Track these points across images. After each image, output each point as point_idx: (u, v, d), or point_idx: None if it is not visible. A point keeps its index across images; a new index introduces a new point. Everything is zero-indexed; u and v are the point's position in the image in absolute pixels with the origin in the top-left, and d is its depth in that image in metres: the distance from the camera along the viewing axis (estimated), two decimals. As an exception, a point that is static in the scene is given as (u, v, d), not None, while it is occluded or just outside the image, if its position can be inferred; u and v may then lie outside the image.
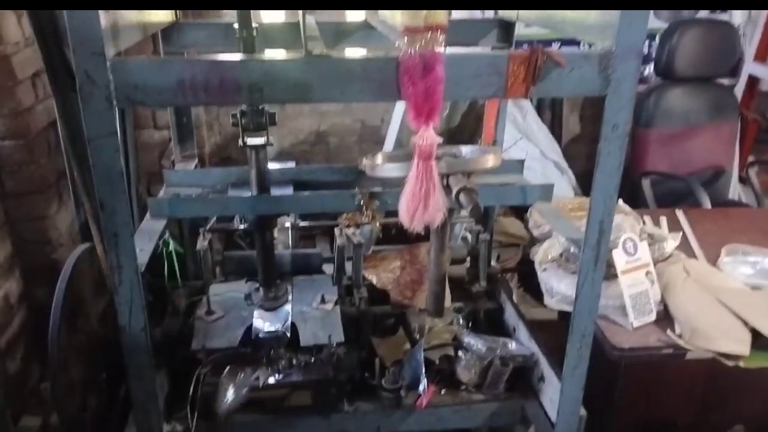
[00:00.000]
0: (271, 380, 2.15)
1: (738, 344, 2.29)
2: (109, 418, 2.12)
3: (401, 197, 1.69)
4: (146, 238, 2.21)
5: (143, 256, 2.06)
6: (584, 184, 4.36)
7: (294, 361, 2.23)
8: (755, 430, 2.75)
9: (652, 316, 2.44)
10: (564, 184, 4.23)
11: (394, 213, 1.79)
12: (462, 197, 1.77)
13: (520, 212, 3.76)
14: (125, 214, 1.54)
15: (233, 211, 2.38)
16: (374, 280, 2.60)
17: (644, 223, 3.18)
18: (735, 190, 4.59)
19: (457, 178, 1.83)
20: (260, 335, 2.29)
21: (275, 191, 2.31)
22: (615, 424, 2.60)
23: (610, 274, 2.37)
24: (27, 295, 2.85)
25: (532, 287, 3.08)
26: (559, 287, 2.61)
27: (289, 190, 2.36)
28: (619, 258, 2.39)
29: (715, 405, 2.66)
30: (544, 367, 2.21)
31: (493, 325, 2.60)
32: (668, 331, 2.42)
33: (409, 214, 1.68)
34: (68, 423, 1.89)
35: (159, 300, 2.41)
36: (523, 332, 2.42)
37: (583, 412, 2.01)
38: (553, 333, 2.30)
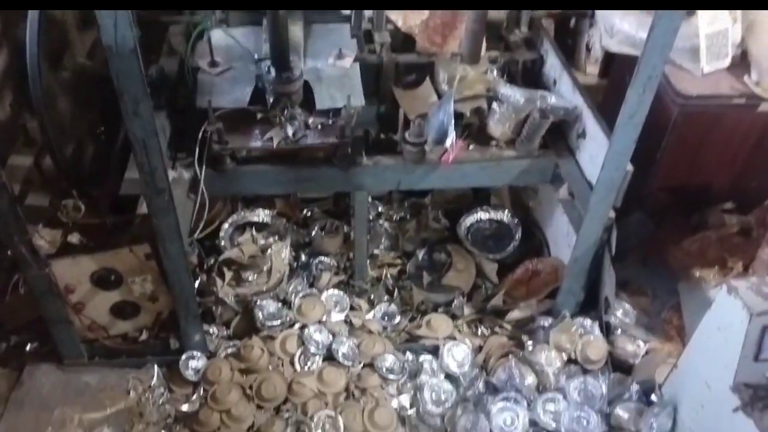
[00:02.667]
0: (284, 142, 1.95)
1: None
2: (110, 161, 1.97)
3: None
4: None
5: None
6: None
7: (309, 123, 2.00)
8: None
9: (726, 62, 2.11)
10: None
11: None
12: None
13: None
14: None
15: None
16: (399, 23, 2.25)
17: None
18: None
19: None
20: (272, 94, 2.01)
21: None
22: (651, 183, 2.43)
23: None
24: (7, 36, 2.54)
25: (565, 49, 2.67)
26: (621, 25, 2.20)
27: None
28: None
29: (761, 171, 2.45)
30: (588, 121, 1.97)
31: (531, 77, 2.30)
32: (745, 78, 2.12)
33: None
34: (63, 163, 1.73)
35: (152, 37, 2.11)
36: (565, 84, 2.13)
37: (630, 167, 1.82)
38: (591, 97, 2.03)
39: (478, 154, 2.11)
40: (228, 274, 2.38)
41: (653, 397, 2.00)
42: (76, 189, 1.92)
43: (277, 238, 2.47)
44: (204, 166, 1.94)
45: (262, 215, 2.55)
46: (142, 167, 1.65)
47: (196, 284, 2.39)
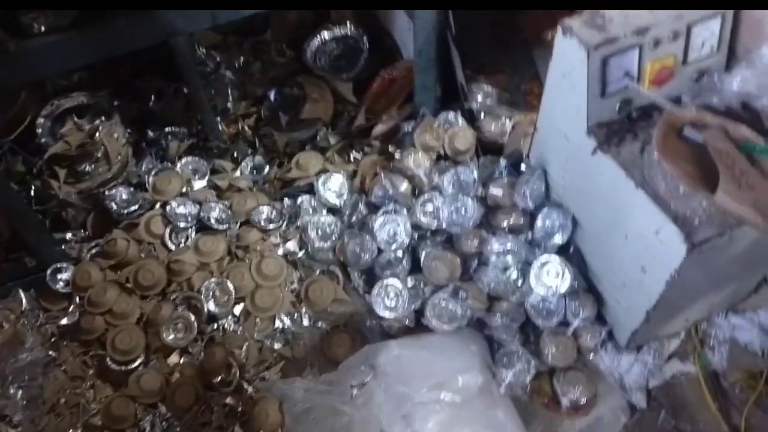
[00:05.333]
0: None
1: None
2: None
3: None
4: None
5: None
6: None
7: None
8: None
9: None
10: None
11: None
12: None
13: None
14: None
15: None
16: None
17: None
18: None
19: None
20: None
21: None
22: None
23: None
24: None
25: None
26: None
27: None
28: None
29: None
30: None
31: None
32: None
33: None
34: None
35: None
36: None
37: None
38: None
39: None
40: (61, 172, 2.11)
41: (522, 168, 1.98)
42: None
43: (104, 118, 2.18)
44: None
45: (80, 98, 2.22)
46: None
47: (32, 192, 2.14)
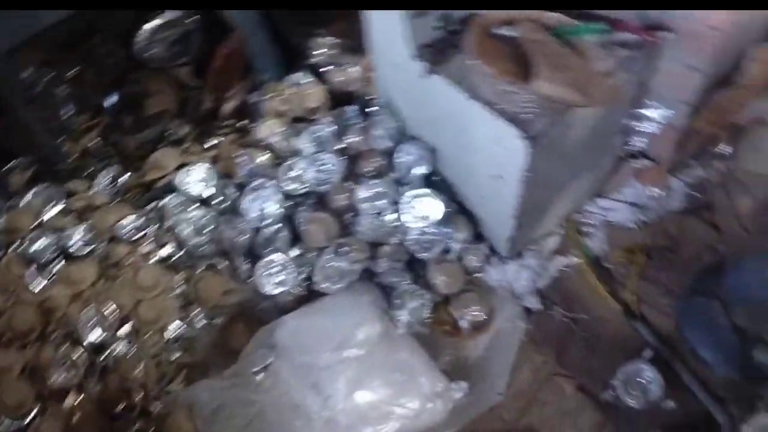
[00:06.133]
0: None
1: None
2: None
3: None
4: None
5: None
6: None
7: None
8: None
9: None
10: None
11: None
12: None
13: None
14: None
15: None
16: None
17: None
18: None
19: None
20: None
21: None
22: None
23: None
24: None
25: None
26: None
27: None
28: None
29: None
30: None
31: None
32: None
33: None
34: None
35: None
36: None
37: None
38: None
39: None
40: None
41: (373, 109, 1.96)
42: None
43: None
44: None
45: None
46: None
47: None
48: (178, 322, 1.94)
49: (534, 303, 1.84)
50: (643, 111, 1.73)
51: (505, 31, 1.42)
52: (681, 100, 1.65)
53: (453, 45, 1.59)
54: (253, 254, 2.01)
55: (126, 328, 1.94)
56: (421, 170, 1.86)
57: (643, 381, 1.69)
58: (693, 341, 1.73)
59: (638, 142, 1.81)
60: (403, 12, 1.52)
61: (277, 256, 1.89)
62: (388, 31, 1.64)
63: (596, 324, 1.81)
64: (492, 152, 1.56)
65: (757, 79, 1.63)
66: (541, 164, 1.52)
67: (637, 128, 1.77)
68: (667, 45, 1.54)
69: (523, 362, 1.78)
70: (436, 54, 1.58)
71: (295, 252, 1.93)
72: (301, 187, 1.94)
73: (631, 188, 1.88)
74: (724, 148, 1.89)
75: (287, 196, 1.97)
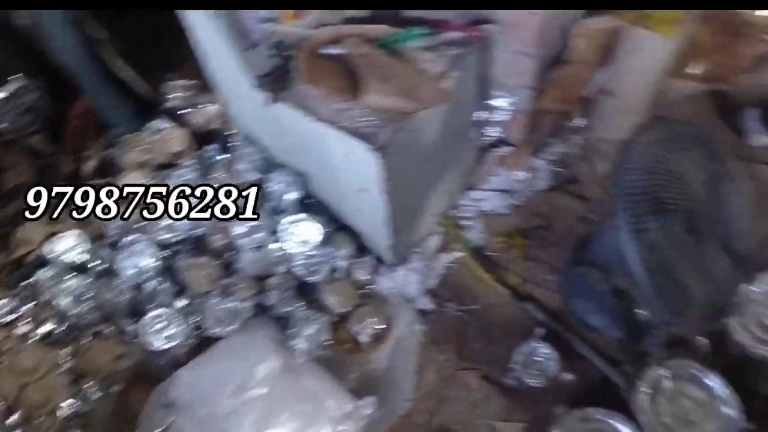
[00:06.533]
0: None
1: None
2: None
3: None
4: None
5: None
6: None
7: None
8: None
9: None
10: None
11: None
12: None
13: None
14: None
15: None
16: None
17: None
18: None
19: None
20: None
21: None
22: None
23: None
24: None
25: None
26: None
27: None
28: None
29: None
30: None
31: None
32: None
33: None
34: None
35: None
36: None
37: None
38: None
39: None
40: None
41: (235, 144, 1.93)
42: None
43: None
44: None
45: None
46: None
47: None
48: (70, 400, 1.85)
49: (427, 304, 1.86)
50: (492, 102, 1.79)
51: (332, 50, 1.44)
52: (521, 86, 1.72)
53: (289, 71, 1.60)
54: (138, 313, 1.93)
55: (15, 418, 1.82)
56: (293, 196, 1.85)
57: (540, 359, 1.74)
58: (579, 311, 1.80)
59: (494, 132, 1.87)
60: (233, 46, 1.50)
61: (161, 310, 1.83)
62: (225, 67, 1.62)
63: (489, 312, 1.85)
64: (350, 168, 1.57)
65: (586, 53, 1.72)
66: (398, 171, 1.55)
67: (490, 119, 1.82)
68: (494, 37, 1.60)
69: (427, 363, 1.80)
70: (276, 82, 1.57)
71: (181, 302, 1.87)
72: (175, 234, 1.89)
73: (498, 176, 1.94)
74: (578, 121, 1.98)
75: (163, 246, 1.90)
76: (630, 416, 1.58)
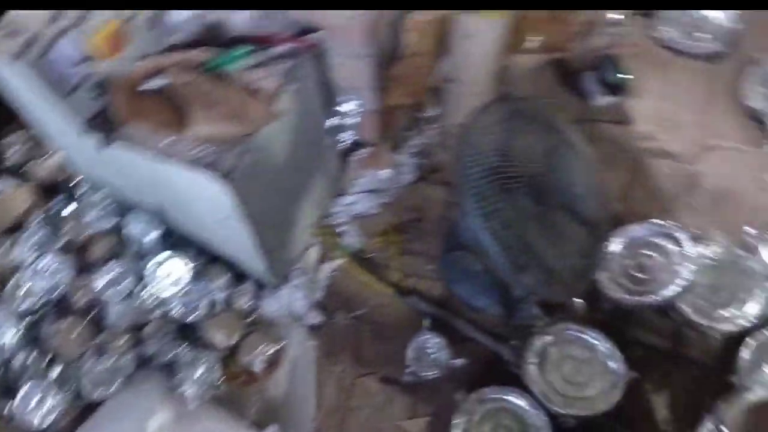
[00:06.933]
0: None
1: None
2: None
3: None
4: None
5: None
6: None
7: None
8: None
9: None
10: None
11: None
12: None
13: None
14: None
15: None
16: None
17: None
18: None
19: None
20: None
21: None
22: None
23: None
24: None
25: None
26: None
27: None
28: None
29: None
30: None
31: None
32: None
33: None
34: None
35: None
36: None
37: None
38: None
39: None
40: None
41: (83, 192, 1.83)
42: None
43: None
44: None
45: None
46: None
47: None
48: (-52, 503, 1.69)
49: (316, 317, 1.83)
50: (340, 107, 1.78)
51: (156, 82, 1.37)
52: (364, 87, 1.72)
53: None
54: (12, 391, 1.78)
55: None
56: (154, 235, 1.77)
57: (432, 349, 1.76)
58: (463, 295, 1.83)
59: (349, 136, 1.86)
60: (51, 94, 1.40)
61: (33, 384, 1.69)
62: (49, 117, 1.51)
63: (378, 313, 1.85)
64: (202, 199, 1.52)
65: (420, 45, 1.75)
66: (253, 193, 1.50)
67: (341, 124, 1.82)
68: (324, 44, 1.58)
69: (325, 378, 1.78)
70: (104, 124, 1.48)
71: (54, 371, 1.74)
72: (35, 301, 1.75)
73: (364, 177, 1.94)
74: (430, 111, 2.01)
75: (24, 315, 1.76)
76: (525, 389, 1.62)
